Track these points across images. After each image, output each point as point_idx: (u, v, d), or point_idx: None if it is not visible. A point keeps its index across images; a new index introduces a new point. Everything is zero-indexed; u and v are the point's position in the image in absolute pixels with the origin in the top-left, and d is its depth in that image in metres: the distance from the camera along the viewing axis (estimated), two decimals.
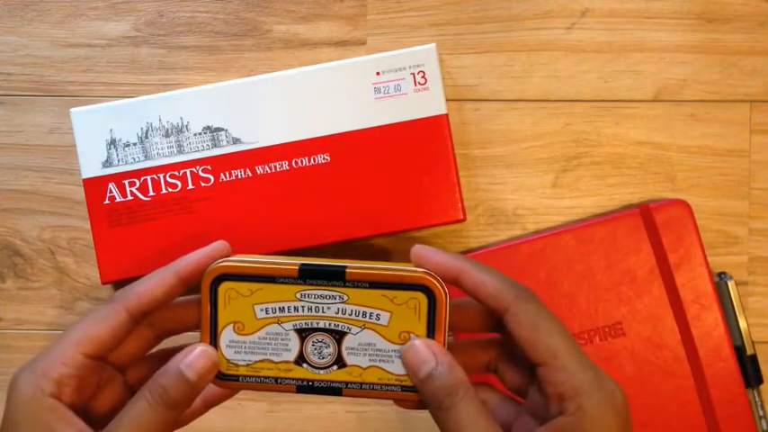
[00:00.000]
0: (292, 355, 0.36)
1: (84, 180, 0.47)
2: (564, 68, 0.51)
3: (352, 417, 0.51)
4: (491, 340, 0.37)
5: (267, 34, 0.51)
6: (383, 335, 0.35)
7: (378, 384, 0.35)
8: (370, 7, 0.51)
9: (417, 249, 0.35)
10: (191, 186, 0.47)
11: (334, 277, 0.35)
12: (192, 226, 0.47)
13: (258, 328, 0.36)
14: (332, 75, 0.47)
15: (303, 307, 0.35)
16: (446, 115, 0.48)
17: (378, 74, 0.47)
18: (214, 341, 0.36)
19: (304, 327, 0.35)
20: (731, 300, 0.49)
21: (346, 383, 0.36)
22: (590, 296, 0.49)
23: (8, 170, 0.51)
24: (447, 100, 0.48)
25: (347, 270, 0.35)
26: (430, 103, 0.47)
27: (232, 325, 0.36)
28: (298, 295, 0.35)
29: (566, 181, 0.51)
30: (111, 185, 0.47)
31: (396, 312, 0.35)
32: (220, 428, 0.51)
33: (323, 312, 0.35)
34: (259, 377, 0.36)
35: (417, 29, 0.51)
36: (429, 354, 0.34)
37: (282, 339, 0.36)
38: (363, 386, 0.36)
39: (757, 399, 0.49)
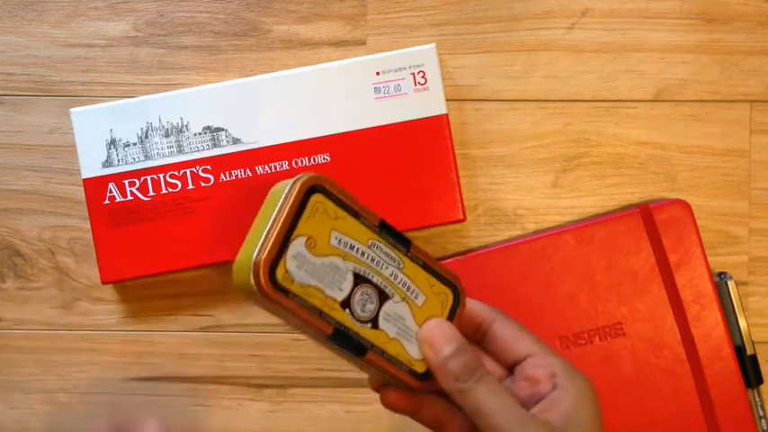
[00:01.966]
0: (342, 296, 0.35)
1: (84, 180, 0.47)
2: (564, 68, 0.51)
3: (352, 417, 0.51)
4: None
5: (267, 34, 0.51)
6: (414, 314, 0.37)
7: (394, 359, 0.36)
8: (370, 7, 0.51)
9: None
10: (191, 186, 0.47)
11: (403, 243, 0.37)
12: (192, 226, 0.47)
13: (325, 254, 0.35)
14: (332, 75, 0.47)
15: (368, 255, 0.36)
16: (446, 115, 0.48)
17: (378, 74, 0.47)
18: (285, 245, 0.34)
19: (361, 274, 0.36)
20: (731, 300, 0.49)
21: (372, 345, 0.36)
22: (590, 296, 0.49)
23: (8, 170, 0.51)
24: (447, 100, 0.48)
25: (413, 243, 0.37)
26: (430, 103, 0.47)
27: (306, 238, 0.35)
28: (369, 242, 0.36)
29: (566, 181, 0.51)
30: (111, 185, 0.47)
31: (430, 298, 0.37)
32: (220, 428, 0.51)
33: (381, 268, 0.36)
34: (307, 302, 0.34)
35: (417, 29, 0.51)
36: (453, 332, 0.36)
37: (340, 276, 0.35)
38: (384, 355, 0.36)
39: (757, 399, 0.49)
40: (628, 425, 0.48)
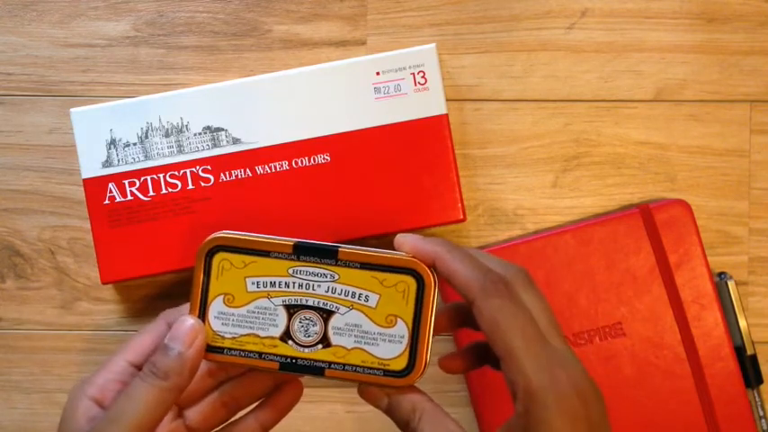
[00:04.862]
0: (278, 331, 0.36)
1: (84, 180, 0.47)
2: (564, 68, 0.51)
3: (352, 417, 0.51)
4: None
5: (267, 34, 0.51)
6: (370, 317, 0.36)
7: (360, 367, 0.36)
8: (370, 7, 0.51)
9: (398, 237, 0.36)
10: (191, 186, 0.47)
11: (327, 255, 0.36)
12: (192, 226, 0.47)
13: (247, 302, 0.36)
14: (332, 75, 0.47)
15: (294, 283, 0.36)
16: (446, 115, 0.48)
17: (378, 74, 0.47)
18: (203, 311, 0.37)
19: (293, 303, 0.36)
20: (731, 300, 0.49)
21: (329, 363, 0.36)
22: (590, 296, 0.49)
23: (8, 170, 0.51)
24: (447, 100, 0.48)
25: (340, 249, 0.36)
26: (430, 103, 0.47)
27: (222, 296, 0.36)
28: (290, 271, 0.36)
29: (566, 181, 0.51)
30: (111, 185, 0.47)
31: (384, 295, 0.36)
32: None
33: (312, 290, 0.36)
34: (243, 351, 0.36)
35: (417, 29, 0.51)
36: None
37: (270, 314, 0.36)
38: (346, 367, 0.36)
39: (757, 399, 0.49)
40: (628, 425, 0.48)
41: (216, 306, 0.36)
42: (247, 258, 0.36)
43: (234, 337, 0.36)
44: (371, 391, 0.36)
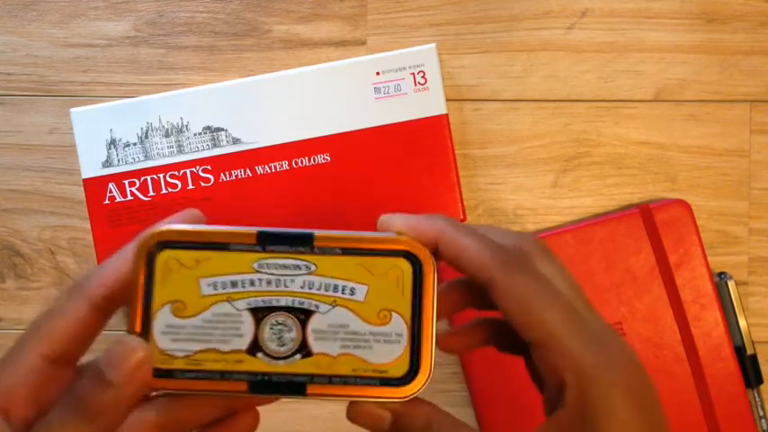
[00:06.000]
0: (245, 343, 0.29)
1: (84, 180, 0.47)
2: (564, 68, 0.51)
3: None
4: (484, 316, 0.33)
5: (267, 34, 0.51)
6: (359, 314, 0.29)
7: (352, 377, 0.29)
8: (370, 7, 0.51)
9: (383, 217, 0.30)
10: (191, 186, 0.47)
11: (300, 243, 0.29)
12: None
13: (203, 309, 0.29)
14: (332, 75, 0.47)
15: (261, 280, 0.29)
16: (446, 115, 0.48)
17: (378, 74, 0.47)
18: (146, 326, 0.29)
19: (261, 305, 0.29)
20: (731, 300, 0.49)
21: (312, 377, 0.29)
22: (590, 296, 0.49)
23: (8, 170, 0.51)
24: (447, 100, 0.48)
25: (316, 234, 0.29)
26: (430, 103, 0.47)
27: (170, 305, 0.29)
28: (255, 266, 0.29)
29: (566, 181, 0.51)
30: (111, 185, 0.47)
31: (374, 285, 0.29)
32: None
33: (285, 287, 0.29)
34: (201, 372, 0.29)
35: (417, 29, 0.51)
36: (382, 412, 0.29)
37: (233, 322, 0.29)
38: (333, 380, 0.29)
39: (757, 399, 0.49)
40: None
41: (162, 318, 0.29)
42: (200, 255, 0.29)
43: (187, 356, 0.29)
44: (367, 410, 0.29)
